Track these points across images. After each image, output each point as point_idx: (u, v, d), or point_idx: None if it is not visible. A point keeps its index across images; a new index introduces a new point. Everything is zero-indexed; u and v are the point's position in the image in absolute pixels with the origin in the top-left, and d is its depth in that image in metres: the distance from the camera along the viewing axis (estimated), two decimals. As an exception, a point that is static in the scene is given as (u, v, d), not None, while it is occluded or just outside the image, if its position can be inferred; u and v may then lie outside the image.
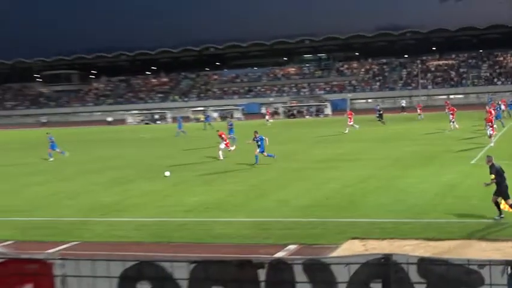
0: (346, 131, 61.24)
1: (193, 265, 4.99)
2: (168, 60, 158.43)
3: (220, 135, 43.96)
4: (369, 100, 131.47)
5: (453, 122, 56.22)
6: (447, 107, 65.54)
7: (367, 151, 43.08)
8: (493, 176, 19.57)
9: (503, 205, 19.56)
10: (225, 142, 43.29)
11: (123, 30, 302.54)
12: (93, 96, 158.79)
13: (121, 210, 25.04)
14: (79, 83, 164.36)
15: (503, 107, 75.16)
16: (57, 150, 49.50)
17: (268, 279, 4.70)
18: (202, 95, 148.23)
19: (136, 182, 33.34)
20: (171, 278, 5.01)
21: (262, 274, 4.70)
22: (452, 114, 57.28)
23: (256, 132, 38.97)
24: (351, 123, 62.94)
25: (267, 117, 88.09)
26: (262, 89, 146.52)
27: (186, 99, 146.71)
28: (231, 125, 58.33)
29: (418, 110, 78.86)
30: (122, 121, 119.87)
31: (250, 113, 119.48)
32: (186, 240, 19.14)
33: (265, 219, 21.75)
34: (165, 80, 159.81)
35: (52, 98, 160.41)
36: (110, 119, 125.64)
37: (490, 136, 43.71)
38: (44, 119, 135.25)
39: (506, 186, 19.57)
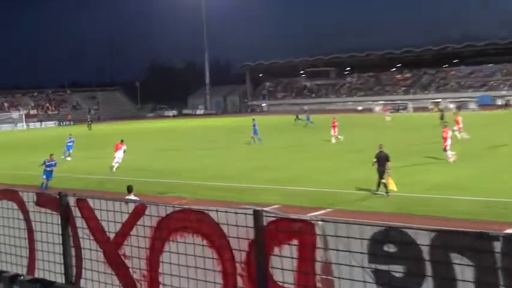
0: None
1: (434, 233, 4.83)
2: (410, 58, 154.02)
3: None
4: None
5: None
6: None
7: None
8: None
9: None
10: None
11: (372, 32, 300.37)
12: (346, 89, 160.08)
13: (369, 185, 24.91)
14: (335, 78, 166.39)
15: None
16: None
17: (504, 251, 4.40)
18: (440, 88, 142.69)
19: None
20: (414, 243, 4.89)
21: (497, 246, 4.43)
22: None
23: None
24: None
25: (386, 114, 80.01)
26: (495, 84, 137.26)
27: (426, 92, 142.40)
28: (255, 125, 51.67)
29: None
30: (370, 110, 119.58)
31: (484, 105, 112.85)
32: (425, 213, 18.69)
33: (492, 199, 20.53)
34: (407, 75, 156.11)
35: (313, 90, 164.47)
36: (359, 108, 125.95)
37: None
38: (305, 108, 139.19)
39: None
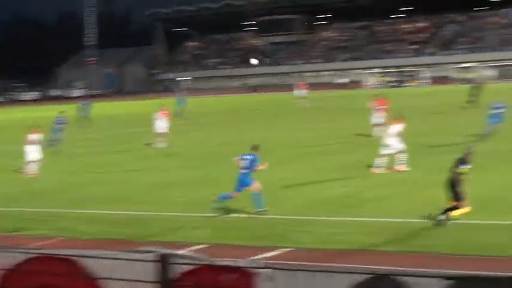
0: None
1: (448, 282, 5.14)
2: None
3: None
4: None
5: None
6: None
7: None
8: None
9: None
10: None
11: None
12: (321, 50, 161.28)
13: (353, 206, 25.33)
14: (303, 31, 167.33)
15: None
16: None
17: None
18: (472, 45, 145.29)
19: (368, 168, 33.36)
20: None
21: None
22: None
23: None
24: None
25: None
26: None
27: (449, 51, 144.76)
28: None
29: None
30: (359, 83, 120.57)
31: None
32: (435, 250, 19.03)
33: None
34: (421, 25, 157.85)
35: (267, 53, 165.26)
36: (343, 80, 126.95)
37: None
38: (254, 82, 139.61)
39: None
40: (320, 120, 62.08)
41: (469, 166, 21.68)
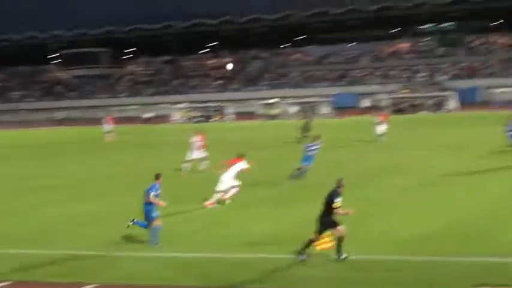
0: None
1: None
2: (231, 33, 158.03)
3: None
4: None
5: None
6: None
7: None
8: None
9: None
10: None
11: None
12: (127, 84, 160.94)
13: (160, 241, 25.23)
14: (109, 65, 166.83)
15: None
16: None
17: None
18: (276, 81, 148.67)
19: (180, 202, 33.31)
20: None
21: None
22: None
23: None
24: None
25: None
26: (361, 74, 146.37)
27: (254, 87, 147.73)
28: None
29: None
30: (165, 118, 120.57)
31: (343, 107, 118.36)
32: (248, 285, 19.21)
33: (360, 257, 21.66)
34: (226, 60, 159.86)
35: (72, 86, 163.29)
36: (148, 115, 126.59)
37: None
38: (60, 115, 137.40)
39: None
40: (127, 154, 61.66)
41: (339, 199, 21.94)
